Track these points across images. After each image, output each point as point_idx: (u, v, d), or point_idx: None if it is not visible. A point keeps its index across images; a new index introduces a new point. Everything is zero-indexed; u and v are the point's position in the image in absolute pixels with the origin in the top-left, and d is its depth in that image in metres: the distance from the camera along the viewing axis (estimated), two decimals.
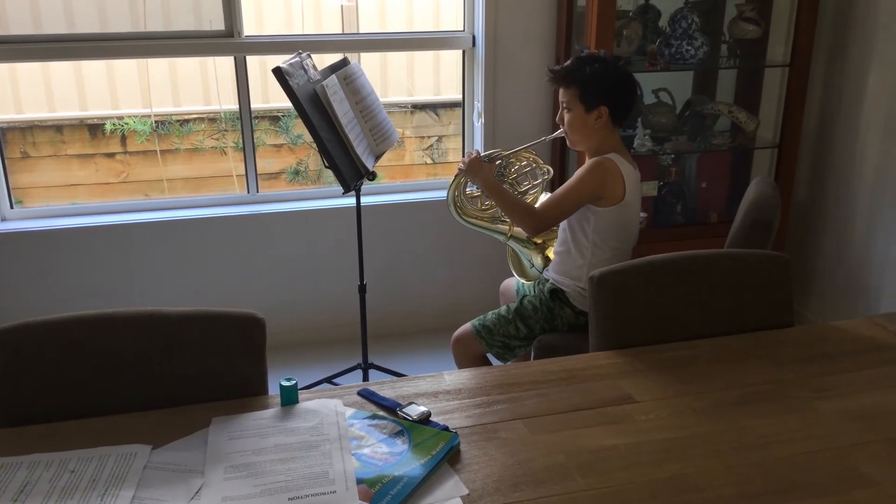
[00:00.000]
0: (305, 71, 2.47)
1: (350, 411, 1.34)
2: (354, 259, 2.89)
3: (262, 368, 1.45)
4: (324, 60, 2.81)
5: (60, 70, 3.55)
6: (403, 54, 3.92)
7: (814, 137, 3.36)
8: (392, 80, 4.01)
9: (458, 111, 3.52)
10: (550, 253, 2.47)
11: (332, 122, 2.44)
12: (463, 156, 2.87)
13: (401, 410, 1.33)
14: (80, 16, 3.01)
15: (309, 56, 2.56)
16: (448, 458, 1.22)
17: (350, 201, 3.10)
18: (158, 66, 3.58)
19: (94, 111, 3.63)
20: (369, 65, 3.82)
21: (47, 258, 3.08)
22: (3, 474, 1.18)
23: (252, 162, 3.28)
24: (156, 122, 3.61)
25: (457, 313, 3.25)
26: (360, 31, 3.76)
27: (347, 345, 3.26)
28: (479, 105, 3.34)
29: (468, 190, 2.50)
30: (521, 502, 1.12)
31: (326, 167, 2.42)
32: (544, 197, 2.45)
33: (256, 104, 3.29)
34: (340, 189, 2.46)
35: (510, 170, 2.51)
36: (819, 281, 3.40)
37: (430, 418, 1.32)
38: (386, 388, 1.43)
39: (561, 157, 3.29)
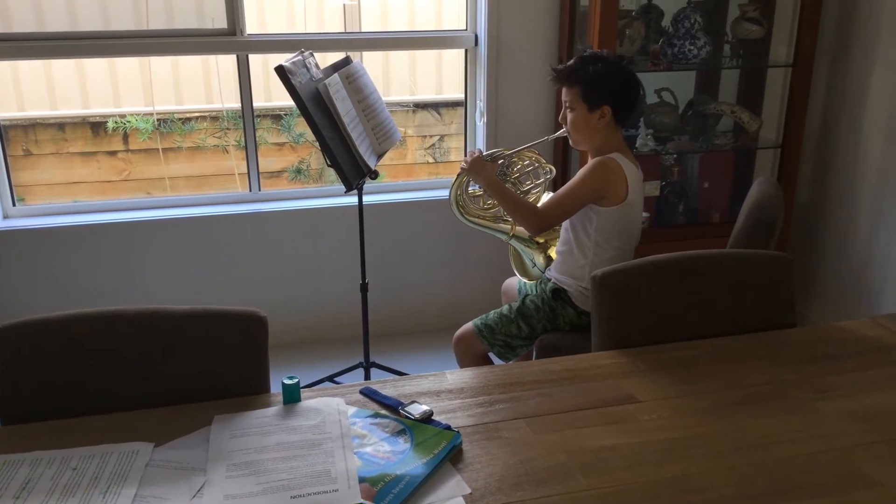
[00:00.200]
0: (308, 69, 2.47)
1: (352, 410, 1.34)
2: (356, 258, 2.89)
3: (265, 367, 1.45)
4: (326, 59, 2.81)
5: (63, 68, 3.55)
6: (405, 53, 3.92)
7: (816, 138, 3.35)
8: (394, 78, 4.02)
9: (461, 110, 3.52)
10: (552, 252, 2.47)
11: (335, 121, 2.44)
12: (465, 155, 2.87)
13: (403, 409, 1.33)
14: (82, 14, 3.01)
15: (311, 54, 2.55)
16: (450, 458, 1.22)
17: (352, 200, 3.11)
18: (161, 65, 3.58)
19: (96, 109, 3.63)
20: (371, 64, 3.82)
21: (49, 256, 3.08)
22: (5, 472, 1.18)
23: (254, 160, 3.29)
24: (158, 120, 3.61)
25: (458, 312, 3.25)
26: (363, 30, 3.76)
27: (349, 343, 3.26)
28: (481, 104, 3.34)
29: (470, 189, 2.50)
30: (523, 502, 1.12)
31: (329, 166, 2.42)
32: (546, 196, 2.44)
33: (258, 102, 3.30)
34: (342, 188, 2.46)
35: (512, 169, 2.50)
36: (822, 281, 3.39)
37: (433, 417, 1.32)
38: (388, 386, 1.43)
39: (563, 157, 3.29)
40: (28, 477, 1.17)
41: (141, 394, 1.40)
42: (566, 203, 2.26)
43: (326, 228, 3.30)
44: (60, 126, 3.61)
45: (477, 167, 2.37)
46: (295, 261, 3.32)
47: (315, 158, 3.78)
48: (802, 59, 3.10)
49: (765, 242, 2.22)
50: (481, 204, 2.52)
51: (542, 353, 2.31)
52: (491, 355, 2.43)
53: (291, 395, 1.36)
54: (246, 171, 3.31)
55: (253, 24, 3.16)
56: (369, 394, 1.39)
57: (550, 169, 2.51)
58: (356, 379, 2.96)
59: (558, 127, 2.41)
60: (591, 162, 2.28)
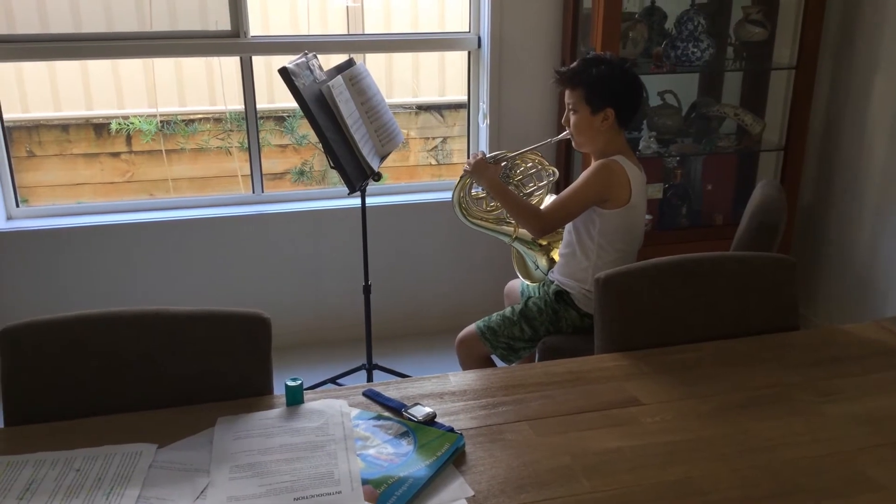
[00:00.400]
0: (311, 71, 2.47)
1: (355, 412, 1.34)
2: (359, 259, 2.89)
3: (268, 368, 1.45)
4: (329, 61, 2.81)
5: (66, 69, 3.55)
6: (409, 55, 3.92)
7: (820, 140, 3.35)
8: (397, 80, 4.02)
9: (464, 112, 3.52)
10: (555, 255, 2.47)
11: (338, 123, 2.44)
12: (468, 157, 2.87)
13: (406, 411, 1.33)
14: (86, 15, 3.02)
15: (315, 56, 2.56)
16: (453, 460, 1.22)
17: (355, 202, 3.11)
18: (164, 66, 3.58)
19: (99, 111, 3.64)
20: (374, 65, 3.82)
21: (52, 257, 3.08)
22: (8, 473, 1.19)
23: (257, 162, 3.29)
24: (161, 121, 3.62)
25: (461, 314, 3.25)
26: (366, 32, 3.76)
27: (351, 345, 3.26)
28: (484, 106, 3.34)
29: (473, 191, 2.50)
30: None
31: (332, 167, 2.42)
32: (549, 199, 2.44)
33: (262, 104, 3.30)
34: (345, 189, 2.46)
35: (515, 171, 2.50)
36: (825, 284, 3.39)
37: (436, 419, 1.32)
38: (391, 388, 1.43)
39: (566, 159, 3.28)
40: (31, 478, 1.17)
41: (144, 395, 1.40)
42: (569, 205, 2.26)
43: (329, 230, 3.31)
44: (64, 127, 3.61)
45: (480, 169, 2.37)
46: (298, 262, 3.32)
47: (318, 160, 3.79)
48: (806, 61, 3.10)
49: (768, 245, 2.22)
50: (484, 206, 2.51)
51: (545, 355, 2.31)
52: (493, 357, 2.42)
53: (295, 397, 1.36)
54: (249, 172, 3.32)
55: (256, 26, 3.16)
56: (372, 396, 1.39)
57: (553, 171, 2.51)
58: (359, 381, 2.96)
59: (561, 129, 2.41)
60: (594, 164, 2.28)
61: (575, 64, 2.28)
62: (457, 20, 3.47)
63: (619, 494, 1.14)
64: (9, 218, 3.14)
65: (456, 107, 3.94)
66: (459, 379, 1.47)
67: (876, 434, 1.29)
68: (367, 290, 2.81)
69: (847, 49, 3.15)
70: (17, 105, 3.49)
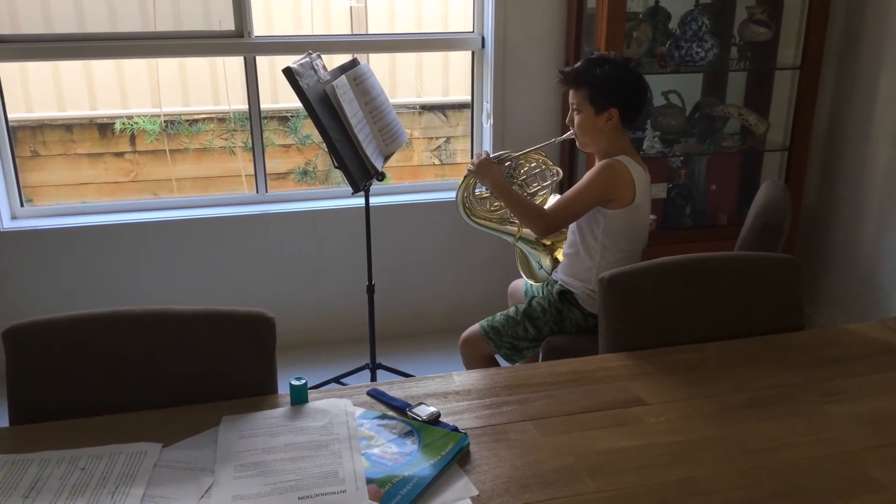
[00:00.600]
0: (315, 71, 2.47)
1: (359, 411, 1.34)
2: (363, 259, 2.89)
3: (272, 368, 1.45)
4: (333, 61, 2.81)
5: (70, 69, 3.56)
6: (412, 55, 3.92)
7: (824, 140, 3.34)
8: (401, 80, 4.02)
9: (467, 112, 3.52)
10: (559, 254, 2.46)
11: (342, 123, 2.44)
12: (472, 157, 2.87)
13: (410, 411, 1.33)
14: (90, 15, 3.03)
15: (319, 56, 2.56)
16: (458, 459, 1.22)
17: (359, 202, 3.11)
18: (168, 66, 3.59)
19: (103, 110, 3.64)
20: (378, 65, 3.82)
21: (56, 257, 3.09)
22: (13, 471, 1.19)
23: (261, 162, 3.29)
24: (165, 121, 3.62)
25: (465, 314, 3.25)
26: (370, 32, 3.76)
27: (355, 345, 3.26)
28: (487, 106, 3.34)
29: (477, 191, 2.50)
30: None
31: (335, 167, 2.42)
32: (553, 198, 2.44)
33: (265, 104, 3.30)
34: (349, 189, 2.46)
35: (519, 171, 2.50)
36: (829, 284, 3.38)
37: (440, 419, 1.32)
38: (395, 388, 1.43)
39: (570, 159, 3.28)
40: (37, 477, 1.18)
41: (148, 394, 1.40)
42: (573, 205, 2.26)
43: (333, 230, 3.31)
44: (68, 127, 3.62)
45: (484, 169, 2.37)
46: (301, 262, 3.32)
47: (322, 160, 3.79)
48: (810, 61, 3.09)
49: (772, 245, 2.22)
50: (488, 206, 2.52)
51: (549, 355, 2.31)
52: (497, 357, 2.43)
53: (299, 396, 1.37)
54: (253, 172, 3.32)
55: (260, 26, 3.16)
56: (377, 395, 1.40)
57: (557, 171, 2.51)
58: (362, 380, 2.96)
59: (565, 129, 2.41)
60: (598, 164, 2.28)
61: (579, 64, 2.28)
62: (460, 20, 3.48)
63: (624, 494, 1.14)
64: (13, 217, 3.15)
65: (459, 107, 3.94)
66: (463, 378, 1.47)
67: (879, 434, 1.29)
68: (370, 289, 2.82)
69: (851, 49, 3.15)
70: (21, 105, 3.50)
